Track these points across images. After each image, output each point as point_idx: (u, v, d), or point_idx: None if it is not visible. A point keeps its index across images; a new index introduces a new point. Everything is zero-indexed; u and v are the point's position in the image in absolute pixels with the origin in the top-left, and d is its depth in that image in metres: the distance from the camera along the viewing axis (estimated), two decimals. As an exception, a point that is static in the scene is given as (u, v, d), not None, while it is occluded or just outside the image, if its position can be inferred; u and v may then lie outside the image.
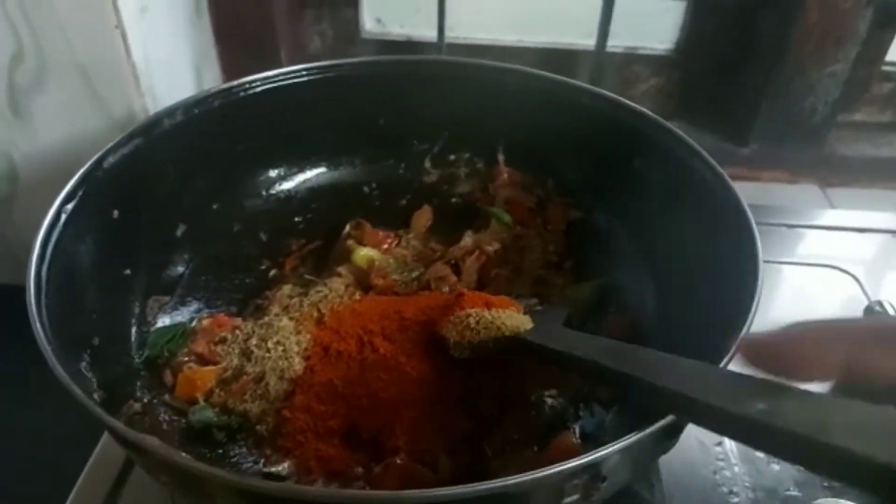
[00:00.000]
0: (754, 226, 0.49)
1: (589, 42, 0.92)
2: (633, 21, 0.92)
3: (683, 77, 1.00)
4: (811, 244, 0.84)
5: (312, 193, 0.73)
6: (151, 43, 0.71)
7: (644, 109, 0.63)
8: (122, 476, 0.59)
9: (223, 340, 0.60)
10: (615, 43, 0.92)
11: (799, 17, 0.85)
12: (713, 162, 0.55)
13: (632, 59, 0.98)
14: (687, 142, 0.59)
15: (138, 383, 0.56)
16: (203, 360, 0.58)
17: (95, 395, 0.48)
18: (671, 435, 0.41)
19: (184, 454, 0.51)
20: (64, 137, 0.72)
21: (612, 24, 0.88)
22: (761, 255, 0.47)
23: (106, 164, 0.56)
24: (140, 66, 0.69)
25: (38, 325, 0.44)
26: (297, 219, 0.71)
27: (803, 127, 0.96)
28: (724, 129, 1.00)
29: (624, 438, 0.37)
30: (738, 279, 0.47)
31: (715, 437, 0.60)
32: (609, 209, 0.68)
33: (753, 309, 0.44)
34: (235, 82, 0.65)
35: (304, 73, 0.67)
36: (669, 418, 0.38)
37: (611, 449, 0.37)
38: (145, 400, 0.55)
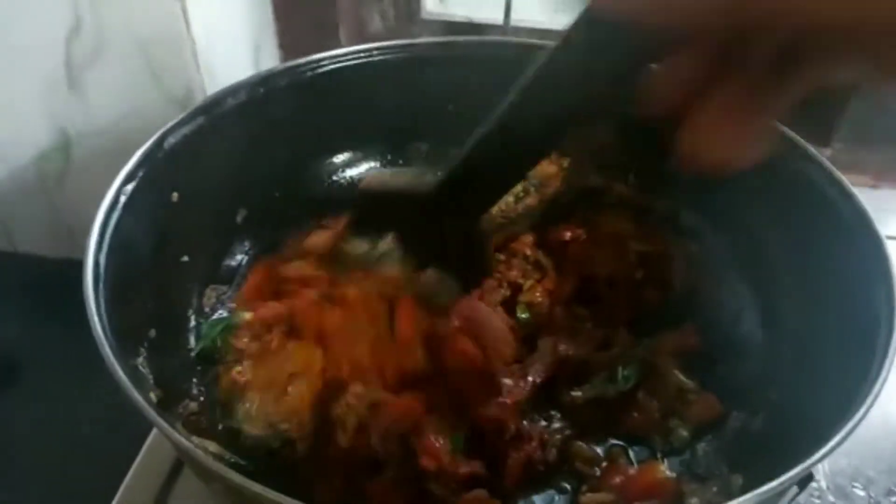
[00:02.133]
0: (884, 241, 0.44)
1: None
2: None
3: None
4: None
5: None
6: (212, 19, 0.68)
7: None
8: (180, 461, 0.56)
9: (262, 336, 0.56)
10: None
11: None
12: (833, 169, 0.50)
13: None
14: (792, 138, 0.54)
15: (194, 380, 0.54)
16: (242, 358, 0.55)
17: (152, 394, 0.46)
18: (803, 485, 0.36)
19: (240, 463, 0.48)
20: (119, 113, 0.70)
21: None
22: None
23: (166, 145, 0.54)
24: (200, 43, 0.67)
25: (95, 319, 0.41)
26: (360, 208, 0.68)
27: (890, 129, 0.90)
28: (805, 127, 0.94)
29: (762, 489, 0.33)
30: (864, 298, 0.43)
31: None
32: (698, 209, 0.63)
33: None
34: (302, 60, 0.62)
35: (374, 52, 0.64)
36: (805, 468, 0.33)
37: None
38: (201, 399, 0.53)
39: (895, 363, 0.40)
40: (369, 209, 0.47)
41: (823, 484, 0.55)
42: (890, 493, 0.55)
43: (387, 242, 0.47)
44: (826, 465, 0.56)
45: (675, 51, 0.28)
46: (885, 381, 0.38)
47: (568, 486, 0.50)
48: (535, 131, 0.36)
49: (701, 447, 0.50)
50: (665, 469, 0.47)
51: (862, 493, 0.54)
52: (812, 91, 0.28)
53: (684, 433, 0.50)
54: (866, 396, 0.37)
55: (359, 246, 0.48)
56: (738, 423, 0.50)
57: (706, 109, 0.27)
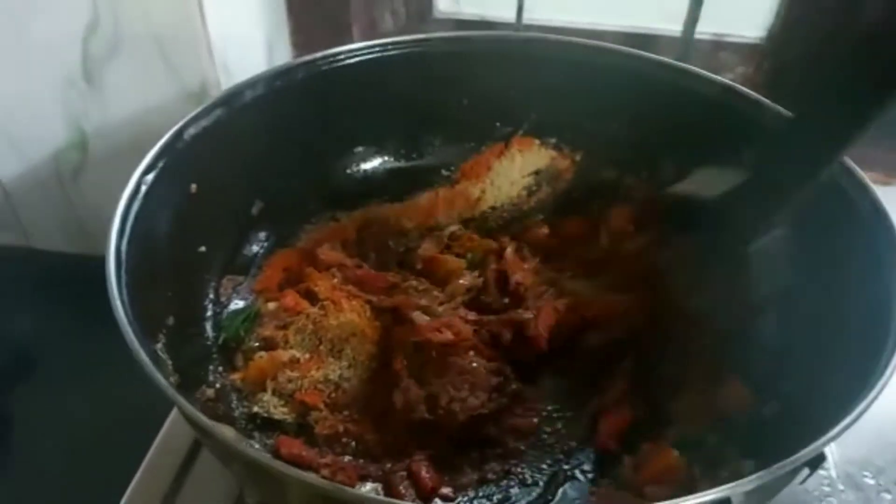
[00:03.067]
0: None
1: (673, 27, 0.86)
2: (722, 5, 0.87)
3: (774, 66, 0.94)
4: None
5: (390, 175, 0.70)
6: (227, 15, 0.69)
7: (758, 96, 0.58)
8: (192, 453, 0.57)
9: (289, 325, 0.57)
10: (702, 28, 0.87)
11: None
12: (848, 161, 0.50)
13: (719, 45, 0.93)
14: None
15: (210, 367, 0.55)
16: (271, 345, 0.56)
17: (171, 379, 0.46)
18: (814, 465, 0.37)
19: (256, 446, 0.49)
20: (135, 108, 0.71)
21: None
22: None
23: (186, 136, 0.54)
24: (215, 38, 0.68)
25: (118, 303, 0.42)
26: (375, 201, 0.68)
27: (903, 125, 0.90)
28: (816, 124, 0.94)
29: (774, 467, 0.33)
30: (878, 288, 0.44)
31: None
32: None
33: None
34: (319, 54, 0.62)
35: (389, 46, 0.64)
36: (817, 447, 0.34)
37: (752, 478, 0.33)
38: (217, 385, 0.53)
39: None
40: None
41: (833, 473, 0.55)
42: (900, 481, 0.55)
43: None
44: (836, 454, 0.56)
45: None
46: (896, 366, 0.38)
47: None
48: None
49: (712, 434, 0.50)
50: (676, 454, 0.47)
51: (871, 482, 0.55)
52: None
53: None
54: (878, 379, 0.38)
55: None
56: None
57: None
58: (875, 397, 0.37)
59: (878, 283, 0.44)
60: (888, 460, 0.56)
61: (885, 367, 0.38)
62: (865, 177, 0.49)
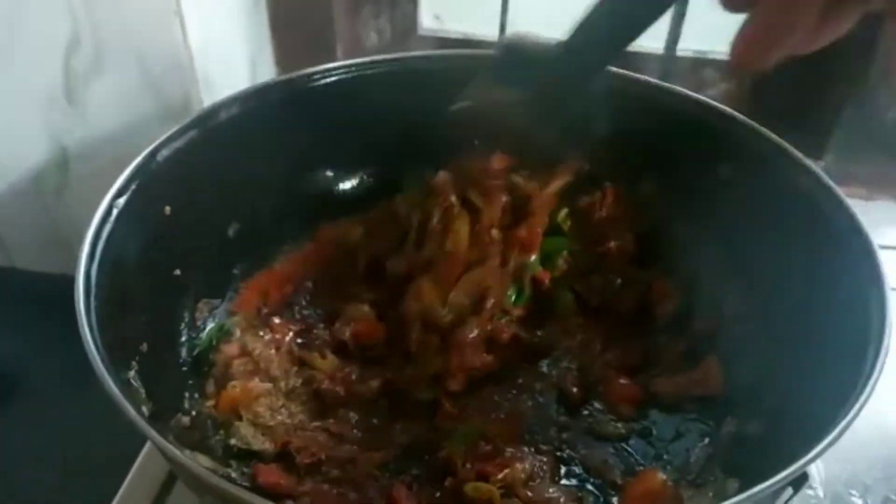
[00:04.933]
0: (875, 246, 0.44)
1: (655, 45, 0.87)
2: (703, 23, 0.87)
3: (755, 83, 0.95)
4: (887, 265, 0.78)
5: (368, 193, 0.69)
6: (209, 32, 0.69)
7: (733, 111, 0.58)
8: (169, 482, 0.56)
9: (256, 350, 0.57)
10: (684, 46, 0.87)
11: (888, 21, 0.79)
12: (824, 177, 0.50)
13: (701, 63, 0.93)
14: (784, 147, 0.54)
15: (186, 394, 0.54)
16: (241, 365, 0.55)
17: (144, 408, 0.45)
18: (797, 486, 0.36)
19: (233, 475, 0.48)
20: (117, 125, 0.71)
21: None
22: (888, 281, 0.42)
23: (159, 157, 0.53)
24: (197, 55, 0.67)
25: (86, 331, 0.41)
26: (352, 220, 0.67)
27: (884, 140, 0.90)
28: (798, 139, 0.94)
29: (755, 489, 0.33)
30: (857, 303, 0.43)
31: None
32: (693, 218, 0.63)
33: (886, 337, 0.39)
34: (294, 74, 0.62)
35: (366, 66, 0.64)
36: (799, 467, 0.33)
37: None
38: (193, 413, 0.52)
39: (888, 372, 0.40)
40: (508, 61, 0.50)
41: (820, 492, 0.55)
42: (886, 500, 0.54)
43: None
44: (823, 472, 0.56)
45: None
46: (876, 381, 0.38)
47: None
48: None
49: (695, 453, 0.50)
50: (662, 475, 0.47)
51: (859, 501, 0.54)
52: None
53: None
54: (859, 397, 0.37)
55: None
56: (732, 428, 0.50)
57: None
58: (854, 417, 0.37)
59: (856, 301, 0.44)
60: (875, 478, 0.56)
61: (864, 387, 0.38)
62: (842, 193, 0.49)
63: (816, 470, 0.55)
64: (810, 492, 0.55)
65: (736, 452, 0.49)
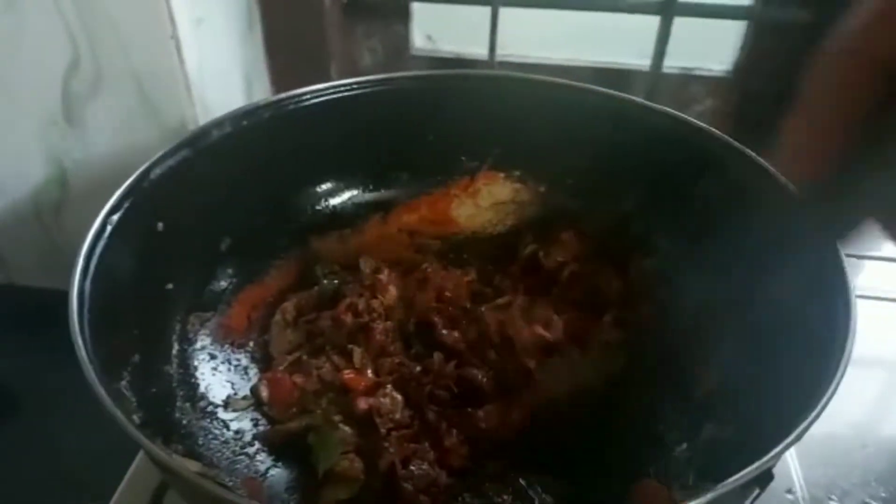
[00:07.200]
0: (842, 253, 0.46)
1: (642, 62, 0.88)
2: (689, 40, 0.89)
3: (741, 99, 0.96)
4: (870, 276, 0.80)
5: (358, 208, 0.71)
6: (205, 54, 0.71)
7: (712, 129, 0.60)
8: (158, 494, 0.57)
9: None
10: (670, 63, 0.89)
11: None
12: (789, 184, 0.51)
13: (687, 79, 0.95)
14: (758, 162, 0.55)
15: (177, 404, 0.54)
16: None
17: (135, 417, 0.46)
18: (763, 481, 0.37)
19: (227, 481, 0.49)
20: (115, 146, 0.72)
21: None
22: (853, 291, 0.43)
23: (153, 175, 0.55)
24: (193, 77, 0.69)
25: (79, 341, 0.42)
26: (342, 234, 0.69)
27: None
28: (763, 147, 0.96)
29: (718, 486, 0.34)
30: (825, 307, 0.45)
31: (784, 483, 0.56)
32: (664, 226, 0.64)
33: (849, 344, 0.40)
34: (285, 94, 0.63)
35: (354, 86, 0.65)
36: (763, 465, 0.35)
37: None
38: (184, 421, 0.53)
39: (868, 381, 0.41)
40: None
41: (799, 496, 0.55)
42: (864, 504, 0.55)
43: None
44: (801, 477, 0.56)
45: None
46: (838, 383, 0.39)
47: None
48: None
49: (674, 457, 0.51)
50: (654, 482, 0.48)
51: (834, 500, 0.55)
52: None
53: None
54: (821, 398, 0.38)
55: None
56: (709, 433, 0.51)
57: None
58: (817, 415, 0.38)
59: (823, 305, 0.45)
60: (853, 483, 0.57)
61: (827, 387, 0.39)
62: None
63: (795, 475, 0.56)
64: (790, 496, 0.56)
65: (714, 458, 0.49)
